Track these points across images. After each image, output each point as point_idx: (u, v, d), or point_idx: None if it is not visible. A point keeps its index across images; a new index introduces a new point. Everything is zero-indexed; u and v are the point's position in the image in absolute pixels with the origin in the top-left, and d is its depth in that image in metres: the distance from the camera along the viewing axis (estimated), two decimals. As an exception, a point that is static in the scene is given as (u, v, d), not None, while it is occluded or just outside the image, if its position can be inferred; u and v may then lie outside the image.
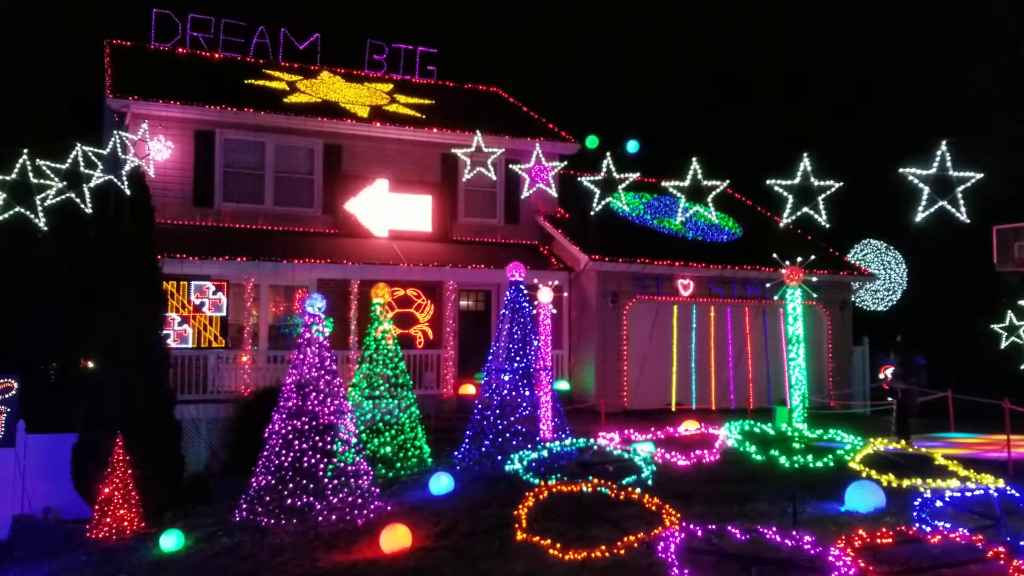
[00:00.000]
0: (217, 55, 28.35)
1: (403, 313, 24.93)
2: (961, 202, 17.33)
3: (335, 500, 13.97)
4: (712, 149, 26.87)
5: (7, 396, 19.02)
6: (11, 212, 18.48)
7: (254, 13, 29.71)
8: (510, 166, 25.25)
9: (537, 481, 13.22)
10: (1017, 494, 11.23)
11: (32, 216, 18.67)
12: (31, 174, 18.52)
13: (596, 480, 12.35)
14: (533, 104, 30.81)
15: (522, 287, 17.50)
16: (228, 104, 23.92)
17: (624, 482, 13.12)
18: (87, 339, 22.96)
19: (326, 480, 14.03)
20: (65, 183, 18.84)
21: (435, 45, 31.36)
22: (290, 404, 14.34)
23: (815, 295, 20.31)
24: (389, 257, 23.57)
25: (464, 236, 26.01)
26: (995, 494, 11.19)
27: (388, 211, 24.83)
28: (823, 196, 18.72)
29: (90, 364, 23.33)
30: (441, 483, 15.37)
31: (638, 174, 23.37)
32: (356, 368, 18.97)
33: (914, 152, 18.99)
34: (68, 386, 26.71)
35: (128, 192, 19.28)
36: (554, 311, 20.49)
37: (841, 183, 18.76)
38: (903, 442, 17.00)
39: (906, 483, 12.26)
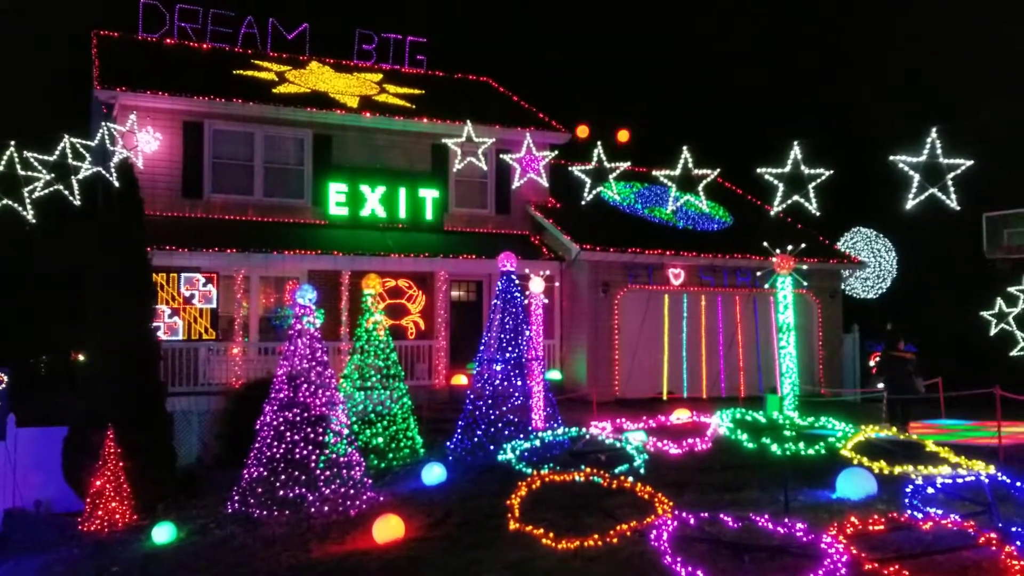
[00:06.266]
0: (205, 46, 28.23)
1: (394, 304, 24.92)
2: (951, 189, 17.36)
3: (327, 491, 13.97)
4: (702, 138, 26.88)
5: (-3, 390, 18.97)
6: (0, 204, 18.40)
7: (242, 3, 29.62)
8: (501, 156, 25.19)
9: (529, 471, 13.25)
10: (1008, 480, 11.29)
11: (20, 209, 18.58)
12: (19, 167, 18.44)
13: (588, 469, 12.40)
14: (524, 94, 30.75)
15: (513, 277, 17.48)
16: (217, 95, 23.82)
17: (616, 471, 13.16)
18: (77, 332, 22.88)
19: (318, 471, 14.02)
20: (54, 175, 18.77)
21: (425, 34, 31.33)
22: (281, 395, 14.32)
23: (805, 283, 20.32)
24: (380, 248, 23.51)
25: (455, 226, 25.95)
26: (986, 480, 11.24)
27: (378, 201, 24.74)
28: (813, 184, 18.74)
29: (80, 357, 23.28)
30: (433, 473, 15.37)
31: (628, 163, 23.35)
32: (348, 359, 18.96)
33: (904, 139, 19.03)
34: (59, 379, 26.64)
35: (117, 184, 19.22)
36: (545, 301, 20.48)
37: (831, 171, 18.77)
38: (894, 429, 17.05)
39: (897, 470, 12.33)
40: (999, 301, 25.01)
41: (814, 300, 27.11)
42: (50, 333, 30.06)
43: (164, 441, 18.80)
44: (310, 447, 14.10)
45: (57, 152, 18.92)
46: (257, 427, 14.48)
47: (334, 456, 14.25)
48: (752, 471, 13.52)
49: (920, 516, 10.39)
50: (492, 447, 16.16)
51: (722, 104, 46.71)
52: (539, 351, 18.08)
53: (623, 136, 32.05)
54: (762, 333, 25.99)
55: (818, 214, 19.25)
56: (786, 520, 10.19)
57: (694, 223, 27.78)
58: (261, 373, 20.53)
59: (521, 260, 19.45)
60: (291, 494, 13.89)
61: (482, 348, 17.49)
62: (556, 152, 26.69)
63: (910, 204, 17.81)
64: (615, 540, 10.25)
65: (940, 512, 10.49)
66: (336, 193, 24.48)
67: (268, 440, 14.19)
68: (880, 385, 19.48)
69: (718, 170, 21.56)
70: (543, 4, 58.26)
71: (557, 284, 25.20)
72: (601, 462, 14.06)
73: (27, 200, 18.61)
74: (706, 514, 10.51)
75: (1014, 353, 24.73)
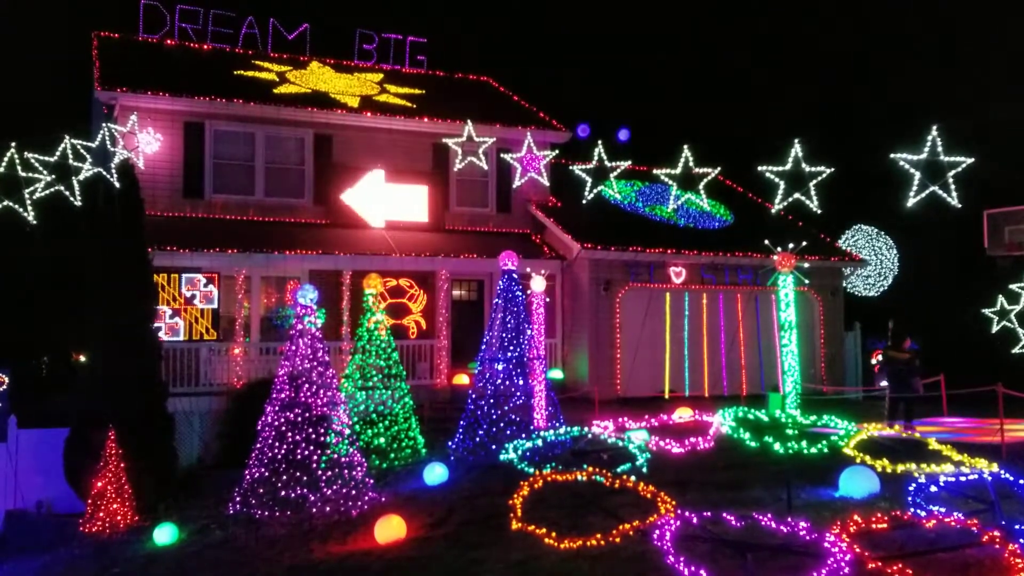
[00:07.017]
0: (206, 46, 28.22)
1: (396, 303, 24.89)
2: (952, 186, 17.32)
3: (329, 492, 13.95)
4: (703, 136, 26.87)
5: (-2, 391, 18.97)
6: (1, 206, 18.38)
7: (243, 3, 29.62)
8: (501, 155, 25.18)
9: (532, 470, 13.22)
10: (1011, 478, 11.24)
11: (21, 210, 18.56)
12: (20, 168, 18.42)
13: (591, 468, 12.35)
14: (524, 93, 30.75)
15: (515, 276, 17.46)
16: (218, 95, 23.80)
17: (619, 470, 13.13)
18: (78, 333, 22.87)
19: (320, 472, 14.01)
20: (55, 176, 18.76)
21: (425, 35, 31.32)
22: (283, 396, 14.30)
23: (807, 281, 20.29)
24: (381, 247, 23.50)
25: (456, 225, 25.94)
26: (989, 478, 11.20)
27: (380, 201, 24.73)
28: (814, 182, 18.70)
29: (82, 358, 23.27)
30: (435, 473, 15.35)
31: (629, 162, 23.34)
32: (349, 359, 18.94)
33: (905, 137, 19.00)
34: (60, 380, 26.63)
35: (118, 185, 19.20)
36: (547, 300, 20.45)
37: (832, 169, 18.73)
38: (896, 427, 17.02)
39: (900, 468, 12.29)
40: (1000, 298, 24.97)
41: (816, 298, 27.09)
42: (51, 334, 30.04)
43: (165, 442, 18.79)
44: (311, 447, 14.08)
45: (58, 153, 18.91)
46: (258, 427, 14.47)
47: (336, 456, 14.24)
48: (754, 470, 13.50)
49: (923, 514, 10.35)
50: (494, 446, 16.13)
51: (723, 102, 46.69)
52: (541, 350, 18.06)
53: (624, 135, 32.03)
54: (764, 331, 25.95)
55: (819, 212, 19.22)
56: (789, 519, 10.16)
57: (695, 221, 27.75)
58: (262, 373, 20.52)
59: (522, 259, 19.41)
60: (293, 494, 13.88)
61: (484, 347, 17.47)
62: (557, 151, 26.65)
63: (911, 202, 17.78)
64: (617, 539, 10.23)
65: (943, 510, 10.46)
66: (337, 192, 24.47)
67: (269, 440, 14.17)
68: (884, 383, 19.50)
69: (719, 168, 21.53)
70: (543, 4, 58.25)
71: (558, 283, 25.18)
72: (603, 461, 14.02)
73: (28, 201, 18.60)
74: (709, 513, 10.47)
75: (1016, 350, 24.69)
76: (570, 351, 25.15)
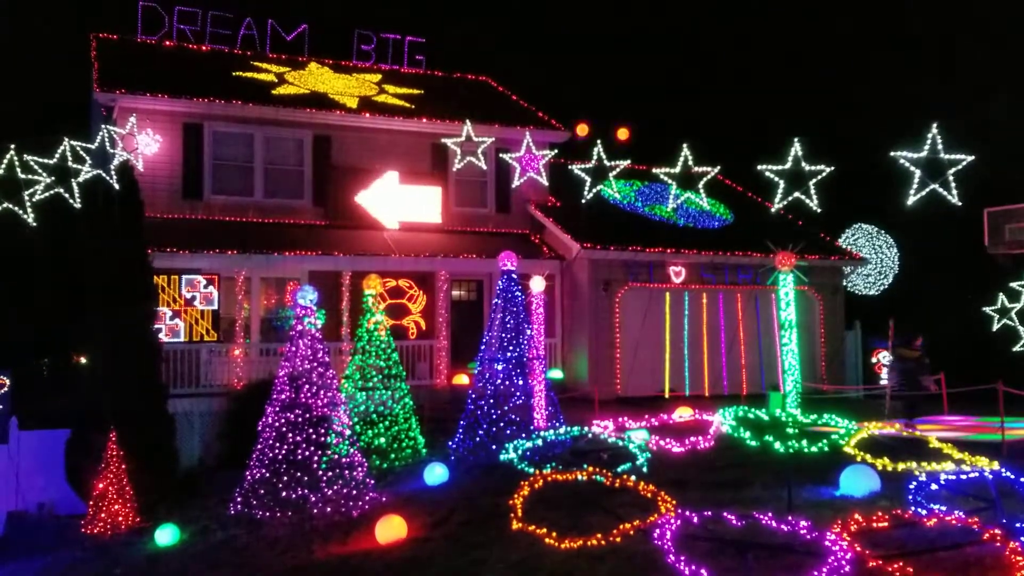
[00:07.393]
0: (204, 47, 28.23)
1: (395, 304, 24.89)
2: (952, 185, 17.31)
3: (330, 492, 13.96)
4: (703, 135, 26.85)
5: (-1, 393, 18.95)
6: (1, 208, 18.40)
7: (241, 4, 29.62)
8: (500, 155, 25.18)
9: (532, 470, 13.22)
10: (1012, 476, 11.23)
11: (21, 212, 18.57)
12: (19, 170, 18.42)
13: (591, 468, 12.35)
14: (523, 92, 30.74)
15: (514, 276, 17.45)
16: (216, 96, 23.81)
17: (619, 470, 13.13)
18: (79, 334, 22.86)
19: (320, 472, 14.02)
20: (54, 178, 18.77)
21: (423, 34, 31.32)
22: (283, 397, 14.31)
23: (807, 280, 20.27)
24: (380, 248, 23.50)
25: (455, 226, 25.93)
26: (990, 476, 11.20)
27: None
28: (814, 181, 18.69)
29: (82, 359, 23.27)
30: (436, 473, 15.36)
31: (628, 161, 23.34)
32: (349, 360, 18.95)
33: (905, 135, 19.00)
34: (61, 381, 26.62)
35: (117, 186, 19.21)
36: (546, 299, 20.42)
37: (832, 168, 18.73)
38: (897, 425, 17.02)
39: (901, 466, 12.30)
40: (1001, 296, 24.96)
41: (816, 297, 27.07)
42: (51, 335, 30.03)
43: (166, 443, 18.80)
44: (312, 448, 14.09)
45: (57, 155, 18.92)
46: (259, 428, 14.48)
47: (336, 457, 14.25)
48: (755, 469, 13.48)
49: (924, 513, 10.35)
50: (494, 446, 16.13)
51: (723, 102, 46.66)
52: (540, 350, 18.05)
53: (623, 134, 32.01)
54: (764, 330, 25.93)
55: (819, 211, 19.22)
56: (789, 518, 10.15)
57: (695, 221, 27.75)
58: (263, 374, 20.51)
59: (522, 259, 19.41)
60: (293, 495, 13.89)
61: (483, 347, 17.47)
62: (556, 151, 26.67)
63: (911, 200, 17.78)
64: (618, 539, 10.22)
65: (944, 508, 10.46)
66: (337, 193, 24.46)
67: (270, 441, 14.18)
68: (884, 381, 19.55)
69: (718, 167, 21.52)
70: (543, 4, 58.22)
71: (558, 283, 25.17)
72: (603, 461, 14.03)
73: (28, 203, 18.60)
74: (709, 512, 10.47)
75: (1017, 348, 24.68)
76: (570, 351, 25.14)
